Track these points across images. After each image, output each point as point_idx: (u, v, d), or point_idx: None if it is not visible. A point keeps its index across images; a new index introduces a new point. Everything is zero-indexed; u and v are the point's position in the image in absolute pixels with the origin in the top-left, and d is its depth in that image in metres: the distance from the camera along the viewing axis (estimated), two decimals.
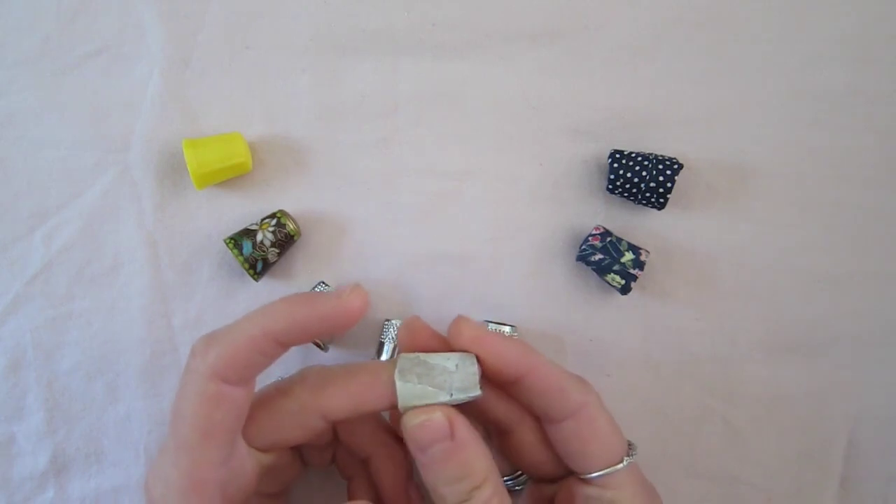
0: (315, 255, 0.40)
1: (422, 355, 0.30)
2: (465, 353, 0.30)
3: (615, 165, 0.38)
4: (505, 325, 0.39)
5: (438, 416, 0.29)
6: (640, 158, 0.38)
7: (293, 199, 0.40)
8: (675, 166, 0.37)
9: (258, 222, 0.39)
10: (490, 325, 0.39)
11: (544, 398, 0.31)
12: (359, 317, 0.29)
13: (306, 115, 0.41)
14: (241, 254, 0.38)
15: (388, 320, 0.39)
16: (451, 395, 0.29)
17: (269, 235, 0.38)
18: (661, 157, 0.38)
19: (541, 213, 0.41)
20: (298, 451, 0.36)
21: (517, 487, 0.37)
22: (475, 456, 0.29)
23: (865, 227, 0.41)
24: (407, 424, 0.29)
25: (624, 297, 0.40)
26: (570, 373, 0.32)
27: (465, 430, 0.29)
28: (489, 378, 0.31)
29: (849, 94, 0.41)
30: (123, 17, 0.40)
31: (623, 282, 0.38)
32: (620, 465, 0.31)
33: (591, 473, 0.31)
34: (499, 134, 0.41)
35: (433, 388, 0.29)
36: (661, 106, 0.41)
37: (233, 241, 0.38)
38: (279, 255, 0.39)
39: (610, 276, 0.38)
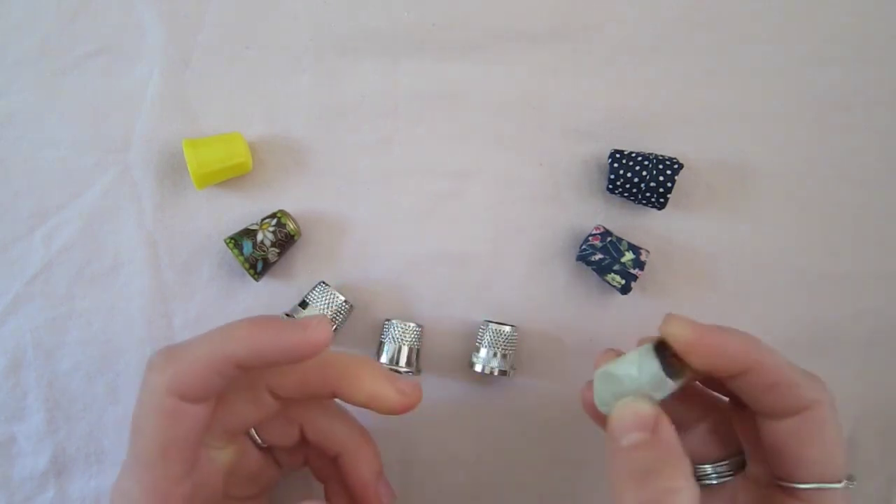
0: (315, 255, 0.40)
1: (609, 367, 0.28)
2: (642, 349, 0.28)
3: (615, 165, 0.38)
4: (505, 325, 0.39)
5: (646, 407, 0.27)
6: (640, 158, 0.38)
7: (293, 199, 0.40)
8: (676, 166, 0.37)
9: (258, 222, 0.39)
10: (490, 325, 0.39)
11: (770, 393, 0.28)
12: (322, 350, 0.29)
13: (306, 115, 0.41)
14: (242, 254, 0.38)
15: (388, 320, 0.39)
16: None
17: (270, 235, 0.38)
18: (661, 157, 0.38)
19: (541, 213, 0.41)
20: (270, 454, 0.36)
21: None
22: (673, 456, 0.26)
23: (865, 227, 0.41)
24: (614, 412, 0.28)
25: (624, 296, 0.40)
26: (803, 369, 0.28)
27: (669, 432, 0.27)
28: (706, 374, 0.28)
29: (849, 94, 0.41)
30: (123, 17, 0.40)
31: (623, 282, 0.38)
32: (839, 485, 0.27)
33: (803, 483, 0.27)
34: (499, 134, 0.41)
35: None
36: (661, 106, 0.41)
37: (233, 241, 0.38)
38: (279, 255, 0.39)
39: (610, 276, 0.38)
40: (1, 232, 0.40)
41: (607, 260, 0.38)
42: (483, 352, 0.38)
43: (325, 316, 0.29)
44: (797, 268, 0.41)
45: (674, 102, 0.41)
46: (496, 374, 0.38)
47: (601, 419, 0.29)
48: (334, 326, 0.38)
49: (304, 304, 0.38)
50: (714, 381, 0.31)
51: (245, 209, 0.40)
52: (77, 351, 0.40)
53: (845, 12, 0.41)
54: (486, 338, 0.38)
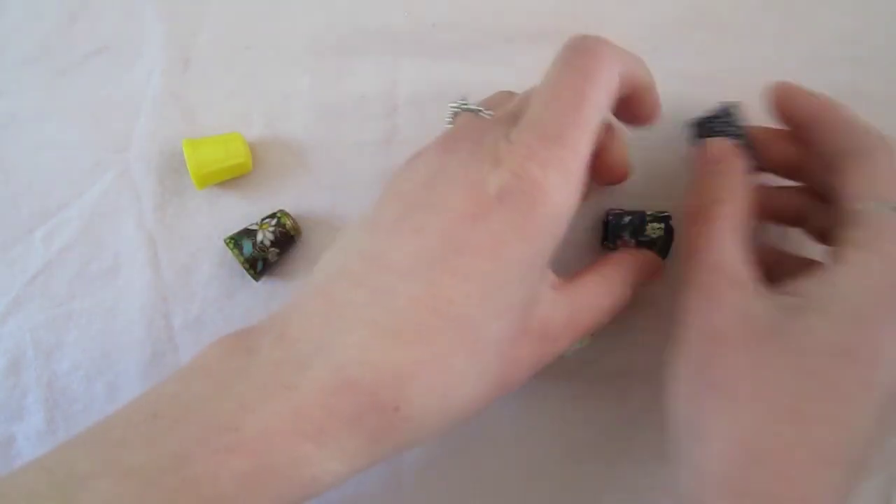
0: (315, 255, 0.40)
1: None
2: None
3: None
4: None
5: (722, 143, 0.34)
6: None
7: (293, 199, 0.40)
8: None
9: (258, 222, 0.39)
10: None
11: (833, 138, 0.32)
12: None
13: (306, 115, 0.41)
14: (242, 254, 0.38)
15: None
16: None
17: (269, 235, 0.38)
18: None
19: None
20: None
21: None
22: (731, 179, 0.32)
23: None
24: (705, 147, 0.35)
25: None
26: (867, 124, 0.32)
27: (733, 164, 0.33)
28: (786, 122, 0.34)
29: (849, 94, 0.41)
30: (123, 17, 0.40)
31: (662, 226, 0.37)
32: (871, 203, 0.29)
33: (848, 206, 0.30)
34: None
35: None
36: (662, 106, 0.41)
37: (233, 241, 0.38)
38: (279, 255, 0.39)
39: (650, 227, 0.38)
40: (1, 232, 0.40)
41: (637, 217, 0.38)
42: None
43: None
44: None
45: (674, 102, 0.41)
46: None
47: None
48: None
49: None
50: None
51: (245, 209, 0.40)
52: (77, 351, 0.40)
53: (845, 12, 0.41)
54: None
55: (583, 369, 0.40)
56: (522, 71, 0.41)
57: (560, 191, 0.27)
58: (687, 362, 0.30)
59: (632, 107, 0.32)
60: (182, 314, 0.40)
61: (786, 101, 0.34)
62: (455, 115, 0.32)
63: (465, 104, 0.32)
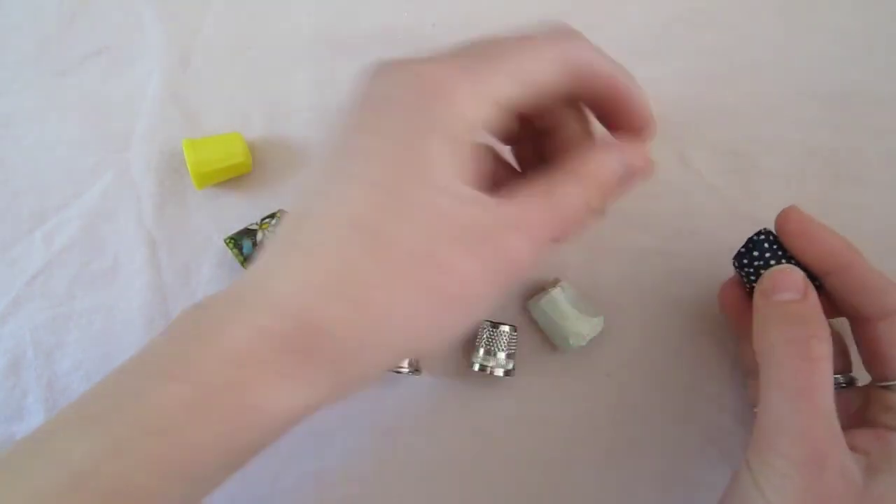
0: None
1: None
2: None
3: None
4: (505, 324, 0.39)
5: (799, 273, 0.31)
6: None
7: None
8: None
9: (258, 222, 0.39)
10: (490, 325, 0.39)
11: (858, 296, 0.31)
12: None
13: (306, 115, 0.41)
14: (242, 254, 0.38)
15: None
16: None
17: (269, 235, 0.38)
18: None
19: None
20: None
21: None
22: (818, 314, 0.30)
23: (866, 227, 0.41)
24: (769, 273, 0.32)
25: (623, 297, 0.39)
26: (892, 280, 0.32)
27: (815, 297, 0.31)
28: (807, 267, 0.32)
29: (849, 94, 0.41)
30: (123, 17, 0.40)
31: None
32: None
33: (890, 381, 0.30)
34: None
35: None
36: (662, 106, 0.41)
37: (233, 241, 0.38)
38: None
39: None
40: (1, 232, 0.40)
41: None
42: (483, 352, 0.38)
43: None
44: None
45: (674, 102, 0.41)
46: (496, 374, 0.38)
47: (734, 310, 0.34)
48: None
49: None
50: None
51: (245, 209, 0.40)
52: (77, 351, 0.40)
53: (845, 12, 0.41)
54: (486, 338, 0.38)
55: (583, 367, 0.40)
56: None
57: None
58: None
59: (609, 109, 0.30)
60: None
61: (803, 239, 0.32)
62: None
63: None
